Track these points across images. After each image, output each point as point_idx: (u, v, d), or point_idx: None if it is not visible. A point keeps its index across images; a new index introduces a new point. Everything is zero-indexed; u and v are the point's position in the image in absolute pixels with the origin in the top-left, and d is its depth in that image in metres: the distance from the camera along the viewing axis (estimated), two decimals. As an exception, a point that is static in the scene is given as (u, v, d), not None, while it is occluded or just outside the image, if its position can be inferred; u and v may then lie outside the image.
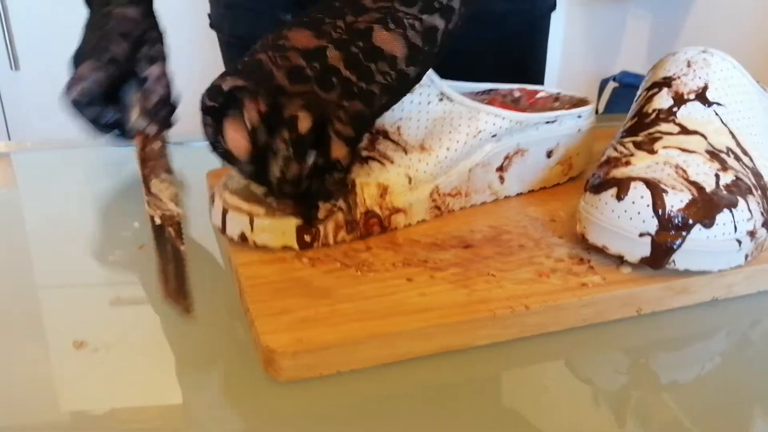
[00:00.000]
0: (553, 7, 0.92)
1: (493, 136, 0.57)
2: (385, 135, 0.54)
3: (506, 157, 0.59)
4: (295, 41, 0.47)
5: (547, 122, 0.60)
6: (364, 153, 0.53)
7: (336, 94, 0.46)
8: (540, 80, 0.96)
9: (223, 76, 0.46)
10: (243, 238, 0.50)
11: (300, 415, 0.40)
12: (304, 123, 0.44)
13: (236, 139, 0.44)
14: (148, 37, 0.65)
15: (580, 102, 0.66)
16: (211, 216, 0.52)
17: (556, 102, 0.67)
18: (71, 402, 0.42)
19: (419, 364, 0.43)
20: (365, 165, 0.52)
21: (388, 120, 0.54)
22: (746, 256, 0.49)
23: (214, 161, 0.68)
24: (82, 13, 0.68)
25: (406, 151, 0.54)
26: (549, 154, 0.61)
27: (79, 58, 0.64)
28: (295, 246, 0.50)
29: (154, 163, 0.60)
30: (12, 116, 2.15)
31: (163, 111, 0.63)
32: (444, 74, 0.55)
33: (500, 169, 0.59)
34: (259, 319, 0.43)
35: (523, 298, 0.45)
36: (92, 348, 0.45)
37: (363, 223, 0.52)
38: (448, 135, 0.55)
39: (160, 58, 0.64)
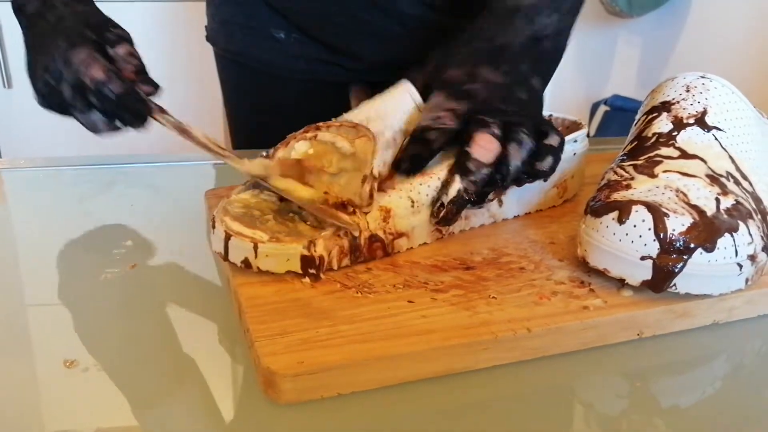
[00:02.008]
0: None
1: None
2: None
3: None
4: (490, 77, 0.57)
5: None
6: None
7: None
8: None
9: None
10: (246, 264, 0.49)
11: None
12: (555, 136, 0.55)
13: (490, 143, 0.52)
14: (105, 22, 0.63)
15: (573, 125, 0.67)
16: (212, 242, 0.51)
17: None
18: (60, 422, 0.41)
19: (420, 386, 0.43)
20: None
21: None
22: (747, 280, 0.49)
23: (212, 180, 0.68)
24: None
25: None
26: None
27: (44, 54, 0.60)
28: (299, 271, 0.50)
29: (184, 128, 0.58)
30: (4, 134, 2.14)
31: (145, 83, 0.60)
32: None
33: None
34: (259, 341, 0.42)
35: (524, 321, 0.45)
36: (83, 367, 0.44)
37: (367, 248, 0.52)
38: (448, 160, 0.55)
39: (124, 39, 0.61)
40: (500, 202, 0.59)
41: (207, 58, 0.94)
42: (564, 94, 2.56)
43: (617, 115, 2.27)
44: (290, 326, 0.44)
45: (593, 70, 2.52)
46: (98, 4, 0.66)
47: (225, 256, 0.50)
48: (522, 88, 0.57)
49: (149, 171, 0.78)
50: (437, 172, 0.54)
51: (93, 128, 0.61)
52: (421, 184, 0.53)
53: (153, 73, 0.61)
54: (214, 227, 0.51)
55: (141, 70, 0.60)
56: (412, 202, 0.53)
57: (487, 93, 0.55)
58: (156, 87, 0.60)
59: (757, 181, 0.53)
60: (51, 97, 0.60)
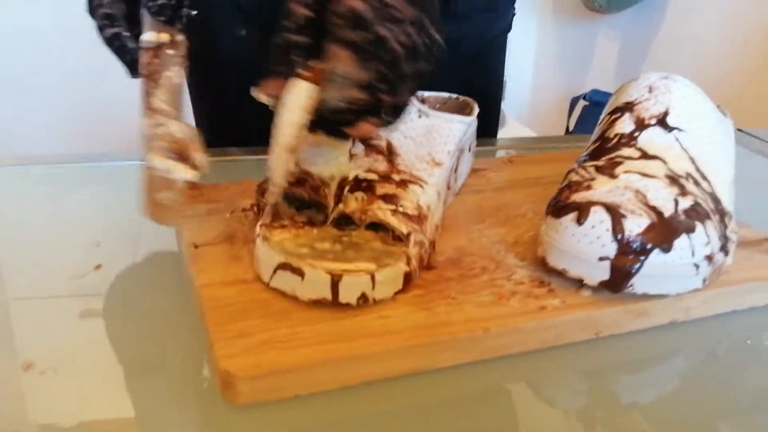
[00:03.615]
0: (508, 29, 0.93)
1: (459, 140, 0.62)
2: (390, 152, 0.56)
3: (458, 158, 0.64)
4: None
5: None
6: (396, 177, 0.54)
7: None
8: (497, 101, 0.96)
9: None
10: (363, 299, 0.46)
11: (257, 440, 0.40)
12: None
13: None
14: None
15: (464, 103, 0.71)
16: (299, 291, 0.47)
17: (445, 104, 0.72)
18: (14, 426, 0.41)
19: (378, 387, 0.43)
20: (407, 188, 0.53)
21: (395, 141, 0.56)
22: (704, 280, 0.49)
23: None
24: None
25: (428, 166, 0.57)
26: (470, 148, 0.68)
27: None
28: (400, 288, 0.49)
29: (159, 76, 0.54)
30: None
31: (174, 13, 0.56)
32: None
33: (455, 170, 0.64)
34: (218, 342, 0.42)
35: (482, 321, 0.45)
36: (40, 370, 0.44)
37: (429, 253, 0.53)
38: (444, 146, 0.58)
39: None
40: (455, 179, 0.65)
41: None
42: (544, 89, 2.58)
43: (596, 110, 2.27)
44: (249, 327, 0.44)
45: (573, 65, 2.53)
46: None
47: (334, 299, 0.46)
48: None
49: (118, 169, 0.77)
50: (445, 160, 0.58)
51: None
52: (440, 176, 0.57)
53: (118, 72, 0.60)
54: (302, 275, 0.46)
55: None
56: (438, 194, 0.56)
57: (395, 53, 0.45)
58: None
59: (716, 182, 0.54)
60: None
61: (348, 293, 0.46)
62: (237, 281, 0.49)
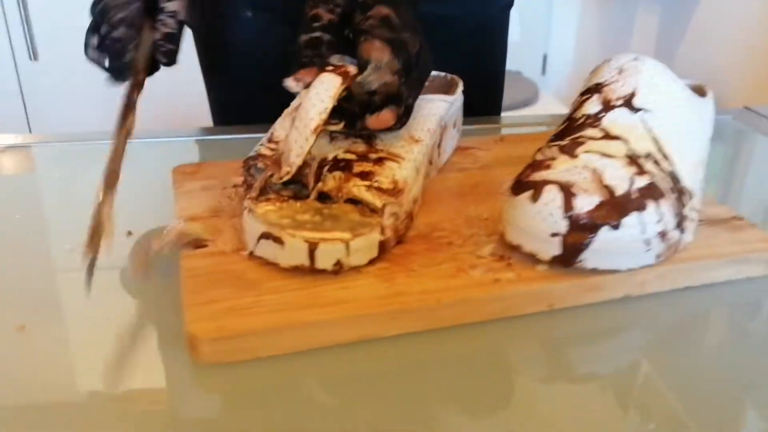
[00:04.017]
0: (510, 4, 0.94)
1: (441, 117, 0.65)
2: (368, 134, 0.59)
3: (441, 134, 0.66)
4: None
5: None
6: (373, 156, 0.57)
7: None
8: (498, 78, 0.97)
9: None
10: (339, 265, 0.50)
11: (217, 396, 0.44)
12: None
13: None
14: None
15: (452, 81, 0.74)
16: (281, 258, 0.51)
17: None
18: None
19: (335, 352, 0.47)
20: (384, 164, 0.56)
21: None
22: (657, 256, 0.51)
23: (179, 157, 0.72)
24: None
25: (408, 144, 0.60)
26: (454, 125, 0.71)
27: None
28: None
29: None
30: (31, 107, 2.21)
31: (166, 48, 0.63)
32: None
33: (439, 145, 0.66)
34: (189, 308, 0.47)
35: (437, 292, 0.49)
36: (30, 331, 0.49)
37: (405, 223, 0.56)
38: (424, 124, 0.62)
39: None
40: (438, 154, 0.67)
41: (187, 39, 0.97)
42: (586, 62, 2.55)
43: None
44: (219, 296, 0.48)
45: (613, 39, 2.50)
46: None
47: (311, 266, 0.50)
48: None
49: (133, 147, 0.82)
50: (425, 138, 0.61)
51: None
52: (418, 152, 0.59)
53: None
54: (282, 243, 0.50)
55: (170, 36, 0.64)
56: (417, 170, 0.59)
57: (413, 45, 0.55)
58: (170, 59, 0.64)
59: (678, 161, 0.55)
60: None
61: (324, 260, 0.50)
62: (216, 253, 0.53)
